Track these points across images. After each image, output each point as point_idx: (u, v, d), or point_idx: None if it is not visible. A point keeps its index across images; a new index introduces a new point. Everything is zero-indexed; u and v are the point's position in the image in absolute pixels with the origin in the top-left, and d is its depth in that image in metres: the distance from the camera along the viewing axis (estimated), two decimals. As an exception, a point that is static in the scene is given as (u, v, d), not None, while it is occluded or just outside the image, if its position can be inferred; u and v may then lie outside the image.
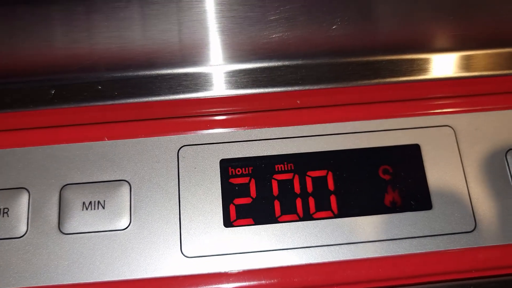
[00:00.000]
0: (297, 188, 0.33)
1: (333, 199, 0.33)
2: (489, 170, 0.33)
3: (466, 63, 0.37)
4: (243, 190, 0.33)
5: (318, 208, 0.33)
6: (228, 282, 0.31)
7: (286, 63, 0.36)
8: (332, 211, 0.33)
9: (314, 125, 0.35)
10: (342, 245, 0.32)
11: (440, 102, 0.35)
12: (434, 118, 0.35)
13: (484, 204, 0.33)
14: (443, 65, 0.36)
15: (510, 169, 0.33)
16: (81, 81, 0.35)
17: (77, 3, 0.32)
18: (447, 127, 0.35)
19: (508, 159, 0.34)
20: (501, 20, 0.36)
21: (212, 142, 0.34)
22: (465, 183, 0.33)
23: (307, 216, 0.32)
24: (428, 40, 0.37)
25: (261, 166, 0.34)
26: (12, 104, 0.35)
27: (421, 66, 0.36)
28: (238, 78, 0.36)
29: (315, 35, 0.35)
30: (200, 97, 0.35)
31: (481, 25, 0.36)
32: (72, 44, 0.35)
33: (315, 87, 0.36)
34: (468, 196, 0.33)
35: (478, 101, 0.35)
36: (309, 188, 0.33)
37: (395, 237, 0.32)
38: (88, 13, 0.33)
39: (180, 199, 0.33)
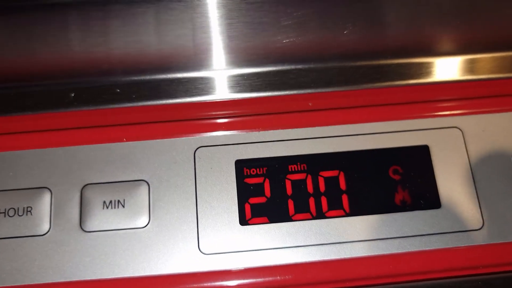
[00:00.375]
0: (310, 188, 0.34)
1: (345, 198, 0.34)
2: (496, 170, 0.34)
3: (473, 66, 0.38)
4: (258, 190, 0.34)
5: (331, 207, 0.34)
6: (244, 278, 0.32)
7: (298, 66, 0.37)
8: (344, 210, 0.34)
9: (326, 126, 0.36)
10: (354, 243, 0.33)
11: (448, 104, 0.36)
12: (442, 119, 0.36)
13: (491, 203, 0.34)
14: (451, 68, 0.37)
15: (517, 169, 0.34)
16: (100, 84, 0.37)
17: (96, 9, 0.34)
18: (455, 129, 0.36)
19: (514, 160, 0.35)
20: (507, 24, 0.37)
21: (227, 143, 0.35)
22: (472, 183, 0.34)
23: (320, 215, 0.34)
24: (436, 44, 0.38)
25: (275, 167, 0.35)
26: (34, 107, 0.36)
27: (429, 70, 0.37)
28: (252, 81, 0.37)
29: (326, 39, 0.36)
30: (215, 99, 0.37)
31: (488, 29, 0.37)
32: (91, 49, 0.36)
33: (326, 90, 0.37)
34: (475, 195, 0.34)
35: (485, 103, 0.36)
36: (322, 187, 0.34)
37: (405, 235, 0.33)
38: (106, 19, 0.34)
39: (197, 198, 0.34)
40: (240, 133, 0.36)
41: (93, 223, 0.33)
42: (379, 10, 0.34)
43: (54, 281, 0.32)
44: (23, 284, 0.32)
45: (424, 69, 0.37)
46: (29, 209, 0.34)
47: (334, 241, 0.33)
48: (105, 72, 0.37)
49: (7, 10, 0.33)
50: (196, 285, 0.32)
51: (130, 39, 0.35)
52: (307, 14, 0.33)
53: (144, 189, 0.34)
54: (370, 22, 0.34)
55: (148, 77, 0.37)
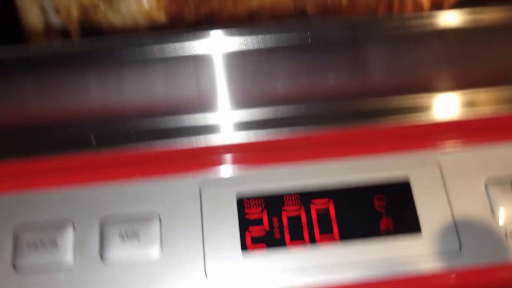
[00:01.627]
0: (303, 218, 0.38)
1: (334, 226, 0.38)
2: (471, 199, 0.38)
3: (448, 106, 0.42)
4: (257, 221, 0.38)
5: (322, 232, 0.38)
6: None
7: (290, 107, 0.42)
8: (334, 237, 0.38)
9: (316, 161, 0.40)
10: (344, 265, 0.37)
11: (427, 142, 0.41)
12: (422, 155, 0.40)
13: (467, 228, 0.38)
14: (429, 107, 0.42)
15: (490, 198, 0.38)
16: (116, 128, 0.41)
17: (110, 67, 0.39)
18: (434, 164, 0.40)
19: (487, 190, 0.39)
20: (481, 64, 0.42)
21: (229, 177, 0.40)
22: (450, 210, 0.38)
23: (312, 241, 0.38)
24: (415, 85, 0.42)
25: (272, 198, 0.39)
26: (57, 150, 0.40)
27: (408, 109, 0.41)
28: (250, 122, 0.41)
29: (313, 85, 0.41)
30: (217, 139, 0.41)
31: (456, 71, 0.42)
32: (105, 98, 0.41)
33: (316, 127, 0.41)
34: (453, 222, 0.38)
35: (460, 141, 0.41)
36: (314, 217, 0.38)
37: (389, 256, 0.37)
38: (120, 72, 0.39)
39: (204, 229, 0.38)
40: (240, 169, 0.40)
41: (112, 254, 0.37)
42: (354, 62, 0.39)
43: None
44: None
45: (403, 109, 0.41)
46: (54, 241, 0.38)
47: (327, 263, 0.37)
48: (120, 118, 0.41)
49: (34, 65, 0.38)
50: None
51: (143, 90, 0.40)
52: (294, 64, 0.38)
53: (155, 222, 0.38)
54: (349, 71, 0.39)
55: (158, 120, 0.41)
